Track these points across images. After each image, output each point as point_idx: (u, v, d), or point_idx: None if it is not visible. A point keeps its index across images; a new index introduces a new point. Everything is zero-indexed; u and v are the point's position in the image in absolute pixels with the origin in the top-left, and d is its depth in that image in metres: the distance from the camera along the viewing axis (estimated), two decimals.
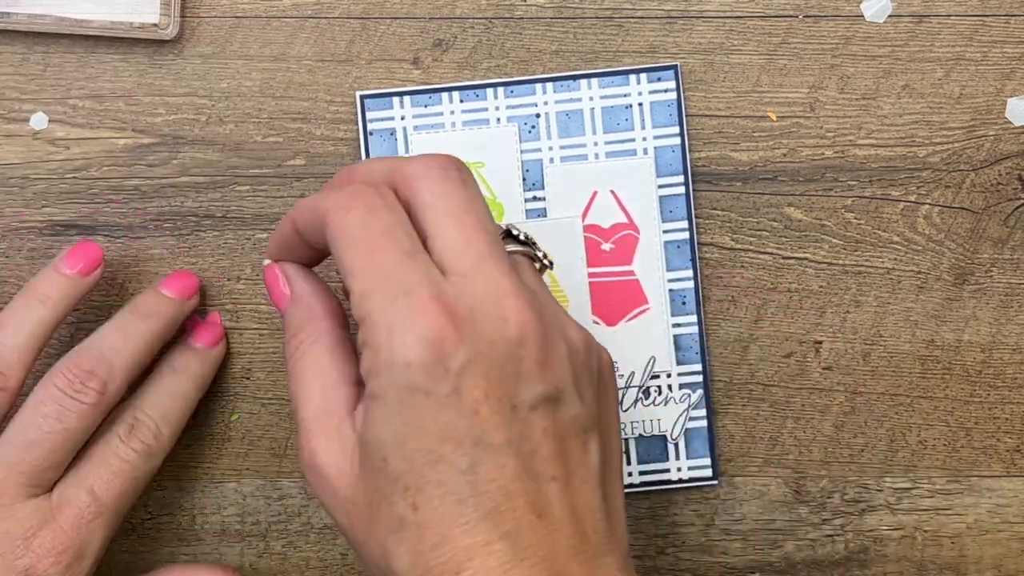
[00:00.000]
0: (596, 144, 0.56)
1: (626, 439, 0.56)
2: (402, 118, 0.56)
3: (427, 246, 0.43)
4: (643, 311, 0.56)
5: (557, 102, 0.56)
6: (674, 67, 0.56)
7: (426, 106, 0.56)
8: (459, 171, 0.44)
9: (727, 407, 0.57)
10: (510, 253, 0.45)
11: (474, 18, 0.57)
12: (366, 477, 0.41)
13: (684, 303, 0.56)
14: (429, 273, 0.41)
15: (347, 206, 0.43)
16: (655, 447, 0.56)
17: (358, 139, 0.57)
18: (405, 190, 0.44)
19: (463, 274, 0.42)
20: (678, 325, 0.56)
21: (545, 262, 0.47)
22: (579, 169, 0.56)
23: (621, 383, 0.56)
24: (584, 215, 0.56)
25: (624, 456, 0.56)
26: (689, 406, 0.56)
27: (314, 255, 0.48)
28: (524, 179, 0.56)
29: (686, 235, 0.56)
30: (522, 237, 0.47)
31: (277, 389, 0.57)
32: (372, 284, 0.41)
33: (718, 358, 0.57)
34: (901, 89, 0.56)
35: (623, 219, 0.56)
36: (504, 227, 0.47)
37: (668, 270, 0.56)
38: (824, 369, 0.57)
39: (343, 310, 0.47)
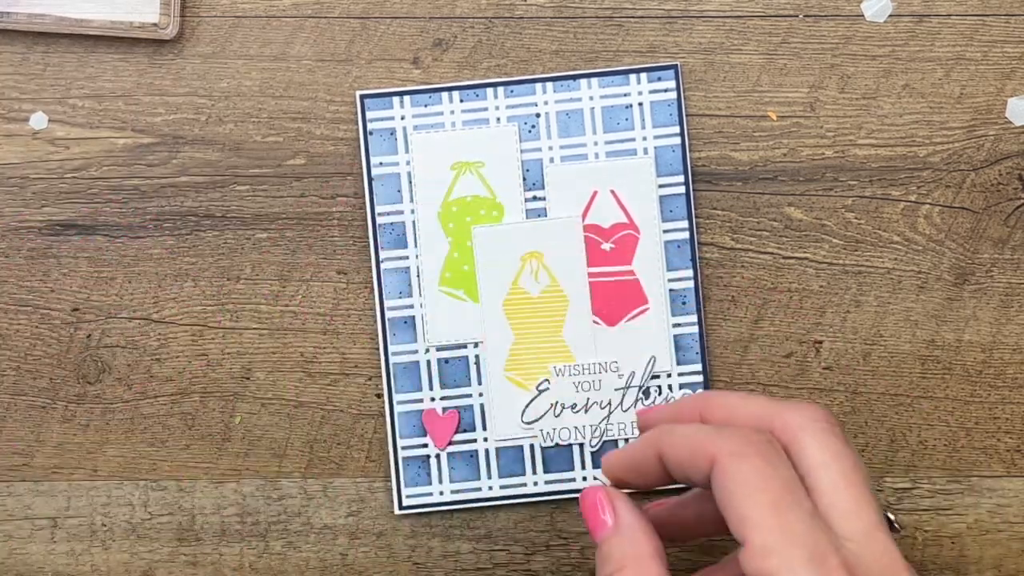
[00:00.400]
0: (596, 144, 0.56)
1: (626, 439, 0.56)
2: (402, 118, 0.56)
3: (812, 501, 0.42)
4: (643, 311, 0.56)
5: (557, 102, 0.56)
6: (674, 67, 0.56)
7: (426, 106, 0.56)
8: (841, 427, 0.44)
9: None
10: None
11: (474, 18, 0.57)
12: None
13: (684, 303, 0.56)
14: (833, 538, 0.41)
15: (742, 453, 0.42)
16: None
17: (358, 139, 0.57)
18: (785, 437, 0.43)
19: (857, 540, 0.41)
20: (678, 325, 0.56)
21: (898, 527, 0.47)
22: (579, 169, 0.56)
23: (621, 383, 0.56)
24: (584, 215, 0.56)
25: None
26: None
27: (657, 483, 0.46)
28: (524, 179, 0.56)
29: (686, 235, 0.56)
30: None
31: (277, 389, 0.57)
32: (779, 542, 0.40)
33: (718, 358, 0.57)
34: (901, 89, 0.56)
35: (623, 219, 0.56)
36: None
37: (668, 270, 0.56)
38: (824, 369, 0.57)
39: (665, 552, 0.46)
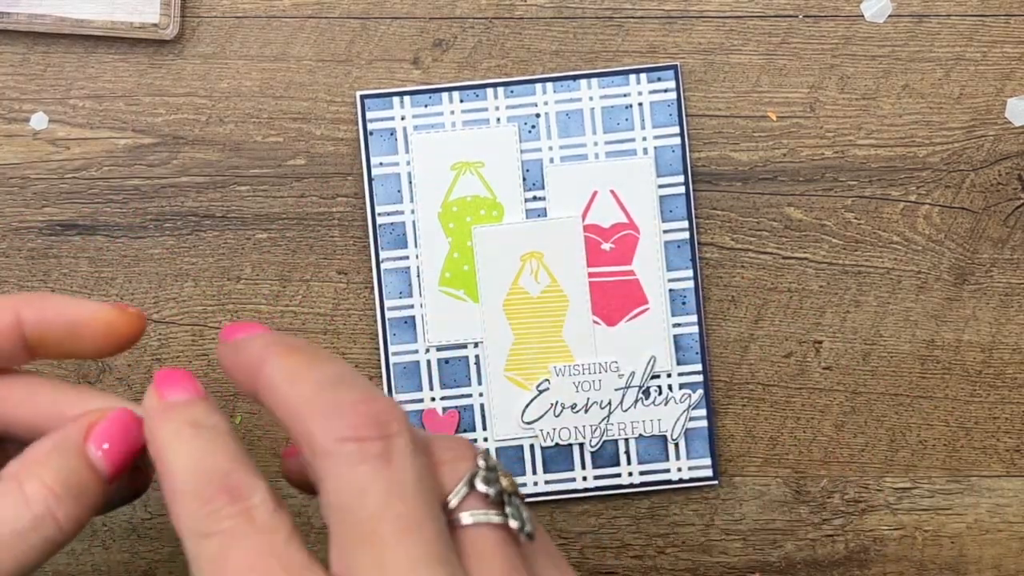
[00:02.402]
0: (596, 144, 0.56)
1: (626, 439, 0.56)
2: (402, 118, 0.56)
3: None
4: (643, 311, 0.56)
5: (557, 102, 0.56)
6: (674, 67, 0.56)
7: (426, 106, 0.56)
8: None
9: (727, 407, 0.57)
10: (466, 527, 0.35)
11: (474, 18, 0.57)
12: None
13: (684, 303, 0.56)
14: None
15: None
16: (655, 447, 0.56)
17: (358, 139, 0.57)
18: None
19: None
20: (678, 325, 0.56)
21: (519, 529, 0.35)
22: (579, 169, 0.56)
23: (621, 383, 0.56)
24: (584, 215, 0.56)
25: (626, 456, 0.56)
26: (689, 406, 0.56)
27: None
28: (524, 179, 0.56)
29: (686, 235, 0.56)
30: (491, 493, 0.35)
31: None
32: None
33: (718, 358, 0.57)
34: (901, 89, 0.56)
35: (623, 219, 0.56)
36: (468, 473, 0.36)
37: (668, 270, 0.56)
38: (824, 369, 0.57)
39: None
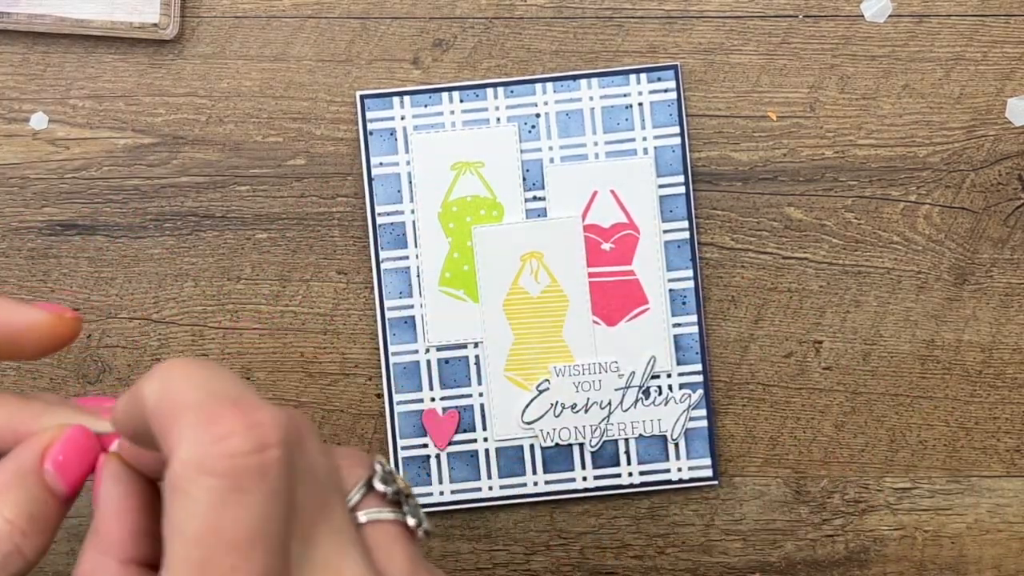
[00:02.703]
0: (596, 144, 0.56)
1: (626, 439, 0.56)
2: (402, 118, 0.56)
3: None
4: (643, 311, 0.56)
5: (557, 102, 0.56)
6: (674, 67, 0.56)
7: (426, 106, 0.56)
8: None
9: (727, 407, 0.57)
10: (366, 524, 0.36)
11: (474, 18, 0.57)
12: None
13: (684, 303, 0.56)
14: None
15: None
16: (655, 447, 0.56)
17: (358, 139, 0.57)
18: None
19: None
20: (678, 325, 0.56)
21: (416, 526, 0.36)
22: (579, 169, 0.56)
23: (621, 383, 0.56)
24: (584, 215, 0.56)
25: (626, 457, 0.56)
26: (689, 406, 0.56)
27: None
28: (524, 179, 0.56)
29: (686, 235, 0.56)
30: (388, 492, 0.36)
31: (277, 389, 0.57)
32: None
33: (718, 358, 0.57)
34: (901, 89, 0.56)
35: (623, 219, 0.56)
36: (366, 476, 0.36)
37: (668, 270, 0.56)
38: (824, 369, 0.57)
39: None
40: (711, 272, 0.57)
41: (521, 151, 0.56)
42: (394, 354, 0.56)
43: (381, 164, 0.56)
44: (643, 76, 0.56)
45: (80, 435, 0.37)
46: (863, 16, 0.57)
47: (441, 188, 0.56)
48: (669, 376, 0.56)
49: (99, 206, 0.57)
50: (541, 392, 0.56)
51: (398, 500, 0.36)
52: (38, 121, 0.57)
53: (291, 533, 0.32)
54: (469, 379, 0.56)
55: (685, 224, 0.56)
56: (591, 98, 0.56)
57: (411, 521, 0.36)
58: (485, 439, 0.56)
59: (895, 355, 0.57)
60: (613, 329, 0.56)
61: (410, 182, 0.56)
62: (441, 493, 0.56)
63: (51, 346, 0.39)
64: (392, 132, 0.56)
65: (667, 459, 0.56)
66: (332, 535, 0.33)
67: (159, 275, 0.57)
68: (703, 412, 0.56)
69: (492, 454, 0.56)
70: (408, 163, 0.56)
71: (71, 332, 0.39)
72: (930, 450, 0.57)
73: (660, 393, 0.56)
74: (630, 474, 0.56)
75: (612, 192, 0.56)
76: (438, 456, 0.56)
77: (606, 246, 0.56)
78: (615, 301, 0.56)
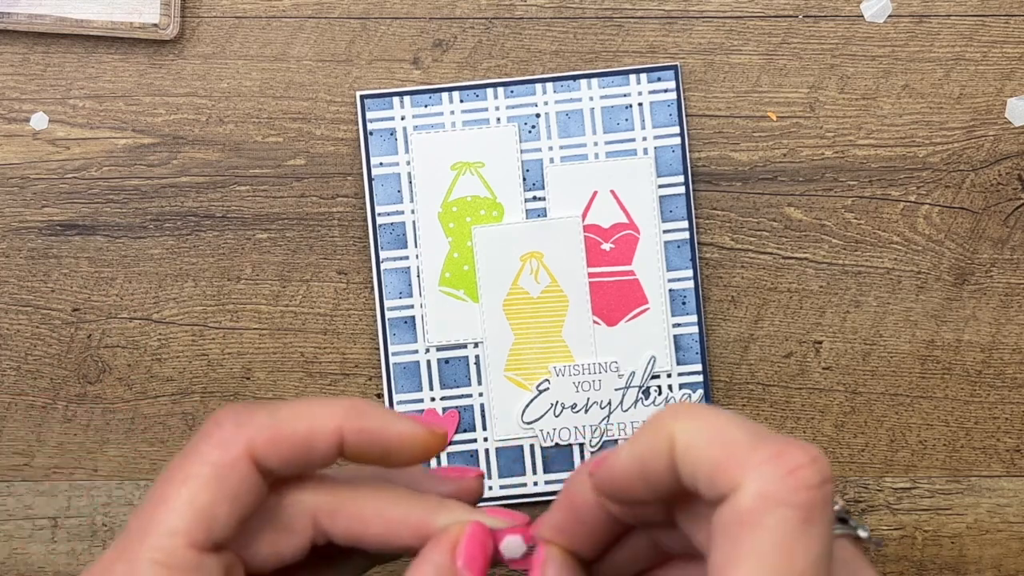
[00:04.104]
0: (596, 144, 0.56)
1: (626, 439, 0.56)
2: (402, 118, 0.56)
3: None
4: (643, 311, 0.56)
5: (557, 102, 0.56)
6: (674, 67, 0.56)
7: (426, 106, 0.56)
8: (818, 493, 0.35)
9: (727, 407, 0.57)
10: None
11: (474, 18, 0.57)
12: None
13: (684, 303, 0.56)
14: None
15: (783, 499, 0.33)
16: None
17: (358, 139, 0.57)
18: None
19: None
20: (678, 325, 0.56)
21: (868, 539, 0.38)
22: (579, 169, 0.56)
23: (621, 383, 0.56)
24: (584, 215, 0.56)
25: None
26: None
27: (657, 497, 0.37)
28: (524, 179, 0.56)
29: (686, 235, 0.56)
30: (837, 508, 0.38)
31: (277, 389, 0.57)
32: None
33: (718, 358, 0.57)
34: (901, 89, 0.56)
35: (623, 219, 0.56)
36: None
37: (668, 270, 0.56)
38: (824, 369, 0.57)
39: None
40: (711, 272, 0.57)
41: (521, 151, 0.56)
42: (394, 354, 0.56)
43: (381, 164, 0.56)
44: (643, 76, 0.56)
45: (480, 531, 0.39)
46: (863, 16, 0.57)
47: (441, 188, 0.56)
48: (669, 376, 0.56)
49: (99, 206, 0.57)
50: (541, 392, 0.56)
51: (844, 516, 0.37)
52: (38, 121, 0.57)
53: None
54: (469, 379, 0.56)
55: (685, 224, 0.56)
56: (591, 98, 0.56)
57: (863, 533, 0.37)
58: (485, 439, 0.56)
59: (895, 355, 0.57)
60: (613, 329, 0.56)
61: (410, 182, 0.56)
62: None
63: (419, 459, 0.40)
64: (392, 132, 0.56)
65: None
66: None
67: (159, 275, 0.57)
68: None
69: (492, 454, 0.56)
70: (408, 163, 0.56)
71: (439, 447, 0.41)
72: (930, 450, 0.57)
73: (660, 393, 0.56)
74: None
75: (612, 192, 0.56)
76: (438, 456, 0.56)
77: (606, 246, 0.56)
78: (615, 301, 0.56)
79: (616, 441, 0.56)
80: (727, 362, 0.57)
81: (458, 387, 0.56)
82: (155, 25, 0.56)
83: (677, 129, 0.56)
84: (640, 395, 0.56)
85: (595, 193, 0.56)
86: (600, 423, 0.56)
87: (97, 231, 0.57)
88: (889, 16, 0.57)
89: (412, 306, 0.56)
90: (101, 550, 0.57)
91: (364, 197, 0.57)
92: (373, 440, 0.39)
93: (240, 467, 0.37)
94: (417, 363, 0.56)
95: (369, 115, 0.56)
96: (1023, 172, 0.56)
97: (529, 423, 0.56)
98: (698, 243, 0.57)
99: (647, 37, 0.57)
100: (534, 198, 0.56)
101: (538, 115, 0.56)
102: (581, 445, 0.56)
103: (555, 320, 0.56)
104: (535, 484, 0.56)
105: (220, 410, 0.39)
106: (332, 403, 0.40)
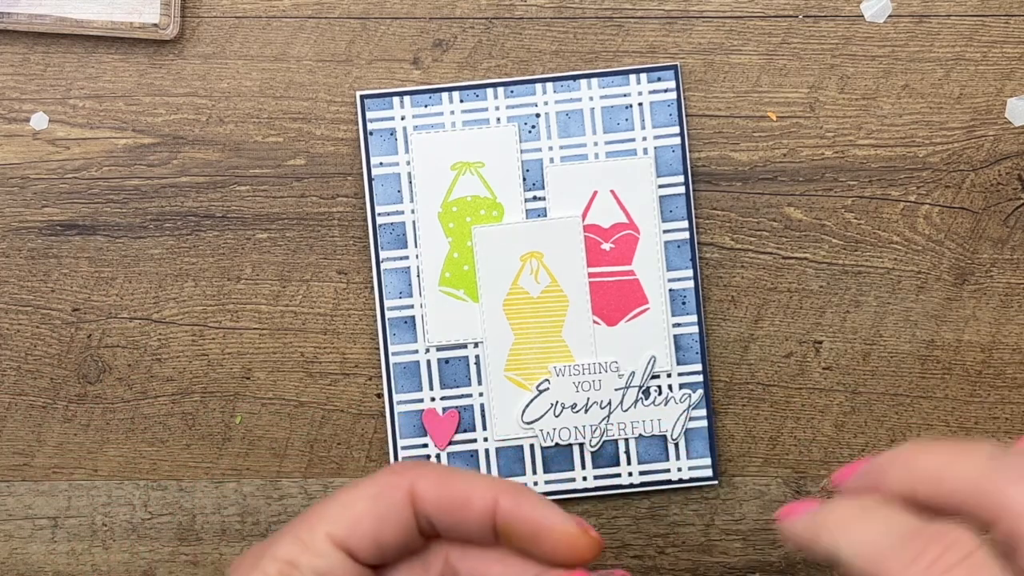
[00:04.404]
0: (596, 144, 0.56)
1: (626, 439, 0.56)
2: (402, 118, 0.56)
3: None
4: (643, 311, 0.56)
5: (557, 102, 0.56)
6: (674, 67, 0.56)
7: (426, 106, 0.56)
8: None
9: (727, 407, 0.57)
10: None
11: (474, 18, 0.57)
12: None
13: (684, 303, 0.56)
14: None
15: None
16: (655, 447, 0.56)
17: (358, 139, 0.57)
18: (1005, 529, 0.35)
19: None
20: (678, 325, 0.56)
21: None
22: (579, 169, 0.56)
23: (621, 383, 0.56)
24: (584, 215, 0.56)
25: (626, 456, 0.56)
26: (689, 406, 0.56)
27: None
28: (524, 179, 0.56)
29: (686, 235, 0.56)
30: None
31: (277, 389, 0.57)
32: None
33: (718, 358, 0.57)
34: (901, 89, 0.56)
35: (623, 219, 0.56)
36: None
37: (668, 270, 0.56)
38: (824, 369, 0.57)
39: None
40: (711, 272, 0.57)
41: (521, 151, 0.56)
42: (394, 354, 0.56)
43: (381, 164, 0.56)
44: (643, 76, 0.56)
45: None
46: (863, 16, 0.57)
47: (441, 188, 0.56)
48: (669, 376, 0.56)
49: (99, 206, 0.57)
50: (541, 392, 0.56)
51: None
52: (38, 121, 0.57)
53: None
54: (469, 379, 0.56)
55: (685, 224, 0.56)
56: (591, 98, 0.56)
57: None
58: (485, 439, 0.56)
59: (895, 355, 0.57)
60: (613, 329, 0.56)
61: (410, 182, 0.56)
62: None
63: (565, 556, 0.40)
64: (392, 132, 0.56)
65: (667, 459, 0.56)
66: None
67: (159, 275, 0.57)
68: (703, 412, 0.56)
69: (492, 454, 0.56)
70: (408, 163, 0.56)
71: (589, 553, 0.41)
72: None
73: (660, 393, 0.56)
74: (630, 474, 0.56)
75: (612, 192, 0.56)
76: (438, 456, 0.56)
77: (606, 246, 0.56)
78: (615, 301, 0.56)
79: (616, 442, 0.56)
80: (727, 362, 0.57)
81: (458, 387, 0.56)
82: (155, 25, 0.56)
83: (677, 129, 0.56)
84: (640, 395, 0.56)
85: (595, 193, 0.56)
86: (600, 423, 0.56)
87: (97, 231, 0.57)
88: (889, 16, 0.57)
89: (412, 306, 0.56)
90: (101, 550, 0.57)
91: (364, 197, 0.57)
92: (526, 520, 0.40)
93: (396, 496, 0.39)
94: (417, 363, 0.56)
95: (369, 115, 0.56)
96: (1023, 172, 0.56)
97: (529, 423, 0.56)
98: (698, 243, 0.57)
99: (647, 37, 0.57)
100: (534, 198, 0.56)
101: (538, 115, 0.56)
102: (581, 445, 0.56)
103: (555, 320, 0.56)
104: (535, 484, 0.56)
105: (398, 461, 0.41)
106: (495, 478, 0.41)
